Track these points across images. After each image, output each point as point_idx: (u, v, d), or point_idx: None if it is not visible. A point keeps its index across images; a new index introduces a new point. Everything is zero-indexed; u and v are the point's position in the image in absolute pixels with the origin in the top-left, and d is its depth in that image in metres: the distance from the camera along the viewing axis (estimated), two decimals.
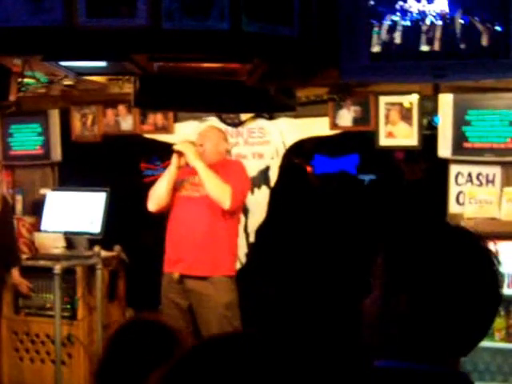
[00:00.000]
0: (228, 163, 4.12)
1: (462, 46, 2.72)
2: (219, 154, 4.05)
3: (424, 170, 4.93)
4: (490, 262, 1.18)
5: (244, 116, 4.58)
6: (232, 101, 3.33)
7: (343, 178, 5.46)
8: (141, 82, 3.39)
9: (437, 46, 2.68)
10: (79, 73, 3.40)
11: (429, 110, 4.27)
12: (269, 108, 3.59)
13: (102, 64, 3.10)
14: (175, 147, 3.95)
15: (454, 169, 4.21)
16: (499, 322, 3.90)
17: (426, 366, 1.14)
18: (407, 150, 4.71)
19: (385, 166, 5.30)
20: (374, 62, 2.73)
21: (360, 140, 4.87)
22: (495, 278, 1.17)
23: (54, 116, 4.87)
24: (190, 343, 1.85)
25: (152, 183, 4.21)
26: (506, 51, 2.78)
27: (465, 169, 4.19)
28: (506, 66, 2.78)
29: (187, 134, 4.60)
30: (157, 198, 4.00)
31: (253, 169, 4.56)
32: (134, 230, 4.96)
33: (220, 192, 3.81)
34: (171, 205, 4.00)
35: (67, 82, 4.24)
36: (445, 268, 1.15)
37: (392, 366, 1.17)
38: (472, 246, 1.19)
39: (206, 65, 3.07)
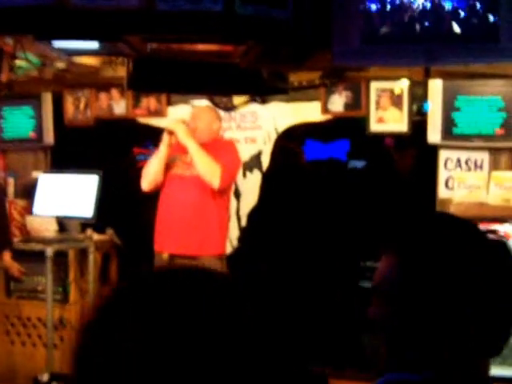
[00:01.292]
0: (220, 143, 4.14)
1: (453, 30, 2.76)
2: (211, 133, 4.07)
3: (415, 157, 4.98)
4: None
5: (236, 100, 4.60)
6: (225, 83, 3.36)
7: (334, 164, 5.49)
8: (134, 65, 3.41)
9: (428, 30, 2.71)
10: (71, 53, 3.41)
11: (419, 96, 4.31)
12: (261, 91, 3.61)
13: (95, 45, 3.12)
14: (166, 125, 3.97)
15: (443, 154, 4.26)
16: None
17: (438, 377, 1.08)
18: (397, 137, 4.75)
19: (375, 152, 5.34)
20: (366, 46, 2.76)
21: (351, 126, 4.91)
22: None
23: (47, 99, 4.86)
24: None
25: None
26: (497, 35, 2.82)
27: (454, 154, 4.24)
28: (497, 51, 2.82)
29: (181, 117, 4.61)
30: (149, 176, 4.02)
31: (245, 153, 4.59)
32: (127, 214, 4.98)
33: (210, 171, 3.83)
34: (162, 183, 4.03)
35: (60, 65, 4.24)
36: (466, 275, 1.08)
37: (404, 378, 1.10)
38: (495, 256, 1.12)
39: (199, 47, 3.09)
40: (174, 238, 3.91)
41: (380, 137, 4.75)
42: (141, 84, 3.52)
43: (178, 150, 3.99)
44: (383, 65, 3.48)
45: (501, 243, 1.13)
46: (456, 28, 2.74)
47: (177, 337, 0.62)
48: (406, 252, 1.12)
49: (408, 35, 2.79)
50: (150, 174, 4.01)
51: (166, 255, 3.94)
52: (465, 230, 1.14)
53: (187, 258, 3.89)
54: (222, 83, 3.34)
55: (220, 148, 4.01)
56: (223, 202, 4.03)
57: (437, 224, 1.17)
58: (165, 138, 3.98)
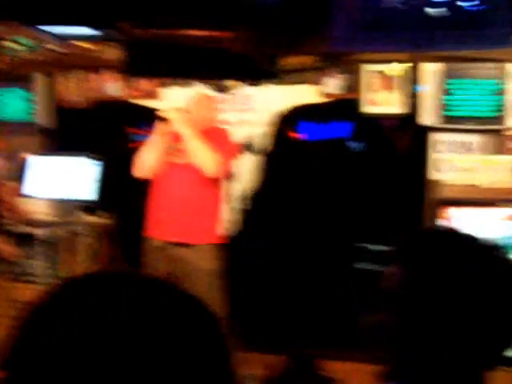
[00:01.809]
0: (215, 131, 4.10)
1: (445, 17, 2.77)
2: (208, 121, 4.02)
3: (412, 138, 4.99)
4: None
5: (230, 82, 4.59)
6: (216, 67, 3.36)
7: (332, 146, 5.49)
8: (127, 49, 3.41)
9: (417, 17, 2.72)
10: (63, 38, 3.41)
11: (412, 79, 4.32)
12: (252, 75, 3.61)
13: (86, 30, 3.12)
14: (161, 114, 3.93)
15: (434, 137, 4.28)
16: None
17: None
18: (395, 118, 4.75)
19: (374, 134, 5.35)
20: (362, 32, 2.77)
21: (348, 108, 4.91)
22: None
23: (40, 81, 4.85)
24: None
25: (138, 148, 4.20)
26: (486, 23, 2.83)
27: (445, 137, 4.26)
28: (483, 37, 2.84)
29: (173, 99, 4.61)
30: (144, 164, 3.97)
31: (238, 136, 4.59)
32: (121, 196, 4.98)
33: (205, 160, 3.80)
34: (156, 171, 4.00)
35: (53, 48, 4.22)
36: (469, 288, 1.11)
37: None
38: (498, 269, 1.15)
39: (190, 32, 3.09)
40: (166, 226, 3.87)
41: (378, 118, 4.76)
42: (134, 68, 3.52)
43: (173, 137, 3.98)
44: (378, 50, 3.49)
45: (499, 249, 1.17)
46: (443, 15, 2.75)
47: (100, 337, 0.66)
48: (411, 260, 1.16)
49: (399, 22, 2.80)
50: (143, 162, 3.95)
51: (157, 242, 3.90)
52: (466, 241, 1.18)
53: (180, 246, 3.87)
54: (213, 68, 3.34)
55: (215, 136, 3.96)
56: (217, 190, 3.99)
57: (438, 235, 1.22)
58: (159, 126, 3.93)
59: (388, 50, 3.16)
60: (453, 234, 1.21)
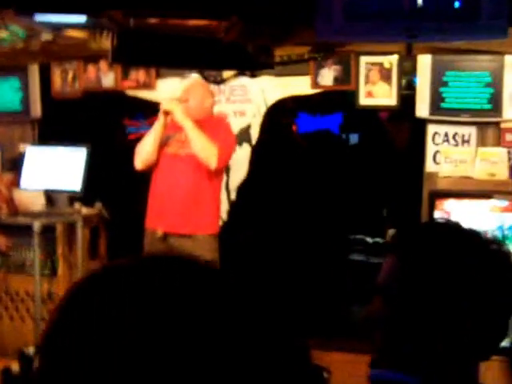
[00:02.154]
0: (214, 121, 4.09)
1: (434, 7, 2.74)
2: (205, 109, 4.02)
3: (408, 130, 4.97)
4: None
5: (226, 73, 4.57)
6: (210, 58, 3.34)
7: (327, 137, 5.49)
8: (118, 38, 3.38)
9: (409, 7, 2.69)
10: (55, 27, 3.38)
11: (408, 71, 4.30)
12: (246, 66, 3.59)
13: (78, 18, 3.09)
14: (162, 106, 3.92)
15: (431, 129, 4.26)
16: None
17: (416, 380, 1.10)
18: (392, 110, 4.74)
19: (368, 125, 5.34)
20: (348, 22, 2.74)
21: (343, 99, 4.90)
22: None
23: (34, 71, 4.82)
24: None
25: (136, 140, 4.21)
26: (477, 13, 2.80)
27: (441, 129, 4.24)
28: (477, 28, 2.80)
29: (170, 90, 4.59)
30: (143, 155, 3.98)
31: (234, 127, 4.57)
32: (116, 187, 4.98)
33: (207, 152, 3.81)
34: (156, 161, 4.01)
35: (46, 37, 4.20)
36: (463, 280, 1.11)
37: (386, 377, 1.13)
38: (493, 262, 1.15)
39: (182, 22, 3.07)
40: (167, 217, 3.90)
41: (373, 110, 4.74)
42: (125, 57, 3.49)
43: (173, 128, 3.96)
44: (365, 41, 3.47)
45: (498, 243, 1.17)
46: (437, 5, 2.72)
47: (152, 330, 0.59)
48: (408, 253, 1.15)
49: (389, 12, 2.76)
50: (144, 153, 3.97)
51: (159, 233, 3.92)
52: (462, 233, 1.18)
53: (181, 237, 3.89)
54: (206, 58, 3.32)
55: (214, 126, 3.97)
56: (217, 182, 4.02)
57: (435, 228, 1.22)
58: (160, 117, 3.93)
59: (377, 40, 3.13)
60: (451, 227, 1.20)
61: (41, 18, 3.03)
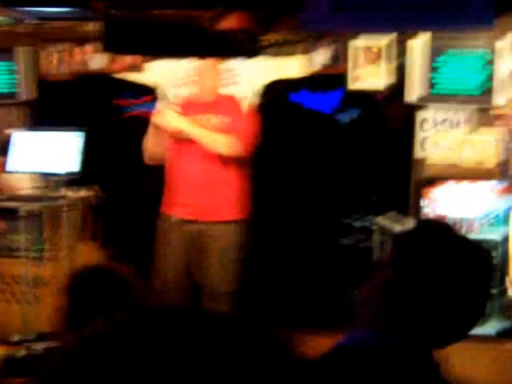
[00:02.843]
0: (226, 102, 3.91)
1: None
2: (217, 89, 3.90)
3: (399, 115, 4.93)
4: (483, 268, 1.30)
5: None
6: (195, 46, 3.31)
7: (319, 118, 5.45)
8: (106, 26, 3.36)
9: None
10: (41, 17, 3.35)
11: (398, 55, 4.25)
12: (232, 53, 3.56)
13: (62, 9, 3.06)
14: (155, 120, 3.81)
15: (420, 114, 4.23)
16: None
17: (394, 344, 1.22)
18: (382, 95, 4.69)
19: (363, 106, 5.29)
20: (334, 13, 2.71)
21: (336, 79, 4.85)
22: (487, 281, 1.31)
23: (24, 53, 4.76)
24: (139, 289, 1.97)
25: (131, 119, 4.13)
26: (467, 2, 2.77)
27: (431, 114, 4.21)
28: (467, 18, 2.78)
29: (158, 72, 4.56)
30: (148, 153, 3.93)
31: None
32: (109, 170, 4.96)
33: (217, 145, 3.71)
34: (171, 147, 3.90)
35: (34, 21, 4.16)
36: (444, 269, 1.25)
37: (362, 342, 1.23)
38: (472, 254, 1.30)
39: (168, 11, 3.04)
40: (184, 203, 3.83)
41: (365, 94, 4.69)
42: (113, 45, 3.47)
43: (192, 111, 3.84)
44: (350, 30, 3.43)
45: (479, 244, 1.36)
46: None
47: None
48: (404, 250, 1.30)
49: (376, 2, 2.74)
50: (148, 151, 3.92)
51: (175, 218, 3.86)
52: (451, 232, 1.36)
53: (197, 223, 3.83)
54: (191, 46, 3.29)
55: (234, 109, 3.82)
56: (239, 165, 3.88)
57: (429, 229, 1.36)
58: (151, 128, 3.85)
59: (364, 31, 3.10)
60: (444, 230, 1.37)
61: (24, 9, 3.00)
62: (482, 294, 1.27)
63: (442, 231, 1.34)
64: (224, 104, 3.86)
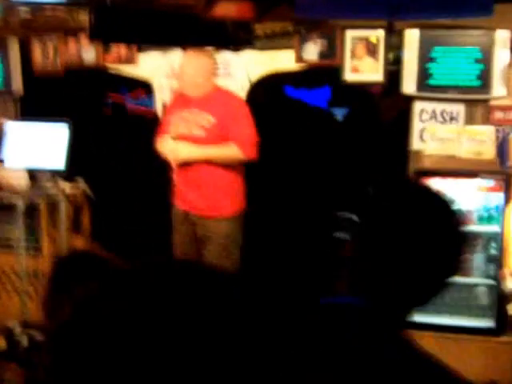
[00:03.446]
0: (229, 99, 3.85)
1: None
2: (210, 81, 3.80)
3: (395, 107, 4.89)
4: (453, 229, 1.26)
5: (208, 49, 4.47)
6: (189, 35, 3.26)
7: (314, 112, 5.41)
8: (95, 14, 3.30)
9: None
10: (31, 3, 3.30)
11: (395, 46, 4.20)
12: (226, 42, 3.50)
13: None
14: (160, 150, 3.85)
15: (418, 105, 4.18)
16: None
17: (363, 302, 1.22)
18: (378, 86, 4.64)
19: (357, 100, 5.25)
20: (330, 1, 2.66)
21: (330, 73, 4.81)
22: (456, 241, 1.26)
23: (14, 46, 4.71)
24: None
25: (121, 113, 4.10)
26: None
27: (429, 106, 4.16)
28: (460, 6, 2.73)
29: (152, 64, 4.51)
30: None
31: None
32: (99, 164, 4.92)
33: (230, 158, 3.75)
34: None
35: (25, 14, 4.10)
36: (409, 225, 1.22)
37: (336, 301, 1.25)
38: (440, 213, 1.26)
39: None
40: (184, 198, 3.93)
41: (360, 86, 4.65)
42: (102, 34, 3.41)
43: (180, 105, 3.82)
44: (345, 18, 3.37)
45: (449, 204, 1.28)
46: None
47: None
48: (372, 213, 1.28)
49: None
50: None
51: (181, 210, 3.97)
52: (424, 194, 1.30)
53: (198, 217, 3.91)
54: (185, 35, 3.24)
55: (230, 108, 3.78)
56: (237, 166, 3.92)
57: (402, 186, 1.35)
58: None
59: (359, 18, 3.05)
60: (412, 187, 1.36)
61: None
62: (448, 255, 1.24)
63: (413, 191, 1.32)
64: (215, 101, 3.80)
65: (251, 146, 3.75)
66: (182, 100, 3.83)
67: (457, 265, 1.25)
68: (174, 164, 3.81)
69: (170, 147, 3.77)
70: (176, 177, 3.91)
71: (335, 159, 5.04)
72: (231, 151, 3.73)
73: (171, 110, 3.93)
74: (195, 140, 3.76)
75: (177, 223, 4.02)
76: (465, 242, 1.27)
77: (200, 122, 3.75)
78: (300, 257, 4.68)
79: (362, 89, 4.85)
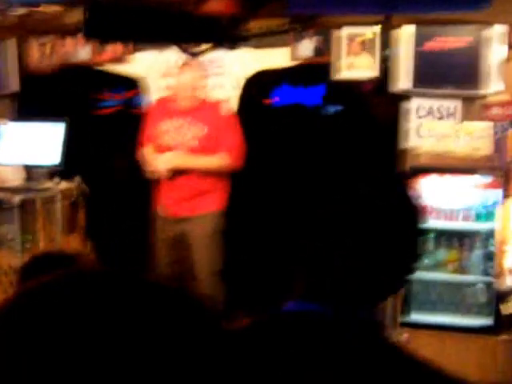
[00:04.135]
0: (213, 108, 3.95)
1: None
2: (199, 92, 3.91)
3: (388, 103, 4.87)
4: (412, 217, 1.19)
5: (204, 46, 4.45)
6: (182, 31, 3.24)
7: (306, 109, 5.39)
8: (90, 12, 3.29)
9: None
10: (29, 3, 3.29)
11: (386, 43, 4.17)
12: (220, 39, 3.49)
13: None
14: (149, 169, 3.89)
15: (414, 102, 4.15)
16: (453, 254, 3.96)
17: (329, 311, 1.16)
18: (371, 83, 4.62)
19: (350, 97, 5.23)
20: None
21: (323, 70, 4.78)
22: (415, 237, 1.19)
23: (11, 45, 4.70)
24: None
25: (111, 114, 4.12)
26: None
27: (426, 102, 4.14)
28: (455, 0, 2.71)
29: (147, 63, 4.49)
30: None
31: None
32: (93, 162, 4.91)
33: (219, 166, 3.82)
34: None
35: (21, 12, 4.08)
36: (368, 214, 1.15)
37: (299, 308, 1.20)
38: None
39: None
40: (168, 206, 3.97)
41: (352, 83, 4.63)
42: (96, 31, 3.40)
43: (166, 114, 3.87)
44: (339, 13, 3.35)
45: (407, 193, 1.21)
46: None
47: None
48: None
49: None
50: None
51: (159, 213, 4.02)
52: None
53: (179, 219, 3.94)
54: (178, 32, 3.22)
55: (219, 120, 3.86)
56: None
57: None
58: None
59: (352, 12, 3.02)
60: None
61: None
62: (406, 252, 1.17)
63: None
64: (206, 111, 3.88)
65: (240, 155, 3.86)
66: (168, 109, 3.86)
67: (414, 262, 1.19)
68: (163, 173, 3.83)
69: (164, 157, 3.82)
70: (162, 184, 3.95)
71: (327, 158, 5.02)
72: (221, 161, 3.83)
73: (155, 118, 3.95)
74: (189, 149, 3.82)
75: (158, 225, 4.05)
76: (420, 238, 1.20)
77: (194, 131, 3.83)
78: (289, 255, 4.66)
79: (356, 86, 4.82)
